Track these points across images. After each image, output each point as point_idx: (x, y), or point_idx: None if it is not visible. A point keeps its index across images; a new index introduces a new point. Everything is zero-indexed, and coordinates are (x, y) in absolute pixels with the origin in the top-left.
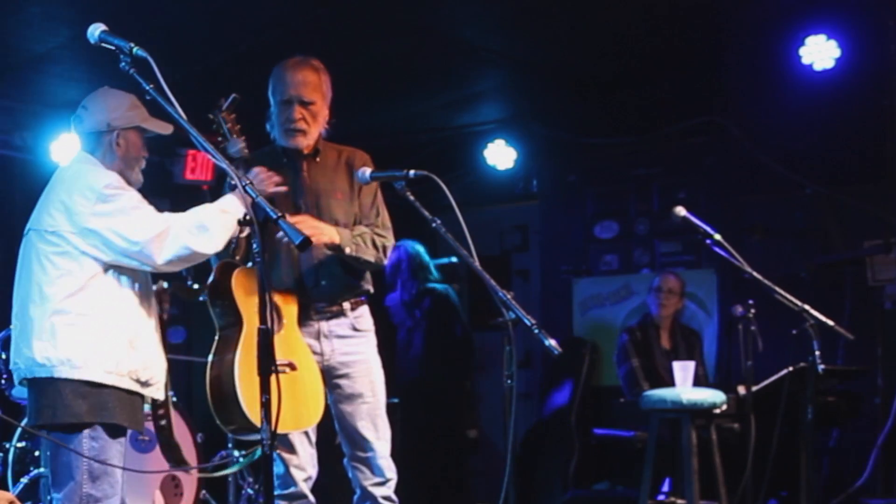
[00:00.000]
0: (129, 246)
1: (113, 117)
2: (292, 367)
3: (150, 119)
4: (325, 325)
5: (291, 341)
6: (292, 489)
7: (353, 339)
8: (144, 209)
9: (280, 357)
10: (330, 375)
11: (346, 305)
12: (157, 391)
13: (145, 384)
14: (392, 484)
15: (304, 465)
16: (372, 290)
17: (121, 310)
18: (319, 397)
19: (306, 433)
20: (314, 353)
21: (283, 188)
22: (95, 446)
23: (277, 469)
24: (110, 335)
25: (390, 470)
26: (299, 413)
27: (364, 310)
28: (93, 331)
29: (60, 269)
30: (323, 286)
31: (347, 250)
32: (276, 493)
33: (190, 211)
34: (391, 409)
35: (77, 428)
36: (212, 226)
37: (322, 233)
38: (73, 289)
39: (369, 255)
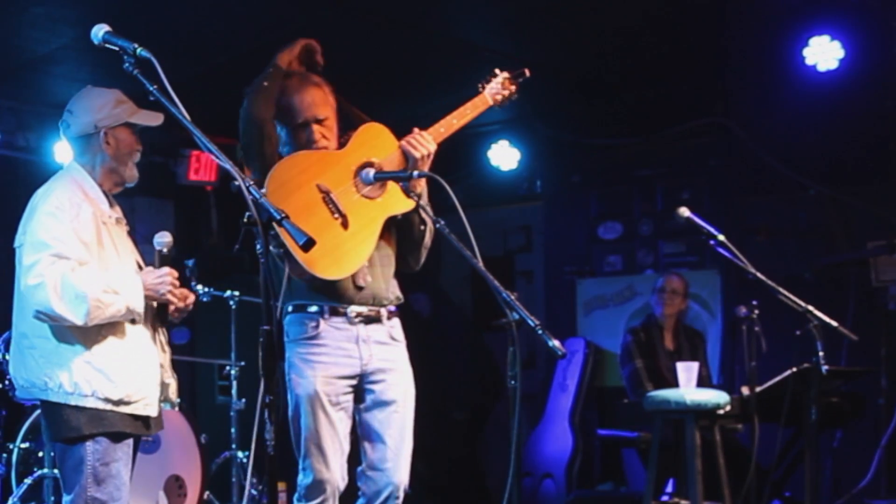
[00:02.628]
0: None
1: (99, 118)
2: (343, 222)
3: (139, 112)
4: (363, 330)
5: (370, 211)
6: (317, 500)
7: (390, 347)
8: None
9: (346, 207)
10: (365, 381)
11: (383, 312)
12: (144, 408)
13: (119, 403)
14: (401, 502)
15: (334, 479)
16: (402, 300)
17: (75, 330)
18: (349, 263)
19: (341, 444)
20: (351, 356)
21: (177, 302)
22: (99, 449)
23: (306, 479)
24: (63, 357)
25: (403, 486)
26: (323, 260)
27: (397, 321)
28: (48, 355)
29: (20, 290)
30: (369, 282)
31: (423, 200)
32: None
33: (97, 275)
34: None
35: (80, 440)
36: (92, 300)
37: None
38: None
39: (430, 233)
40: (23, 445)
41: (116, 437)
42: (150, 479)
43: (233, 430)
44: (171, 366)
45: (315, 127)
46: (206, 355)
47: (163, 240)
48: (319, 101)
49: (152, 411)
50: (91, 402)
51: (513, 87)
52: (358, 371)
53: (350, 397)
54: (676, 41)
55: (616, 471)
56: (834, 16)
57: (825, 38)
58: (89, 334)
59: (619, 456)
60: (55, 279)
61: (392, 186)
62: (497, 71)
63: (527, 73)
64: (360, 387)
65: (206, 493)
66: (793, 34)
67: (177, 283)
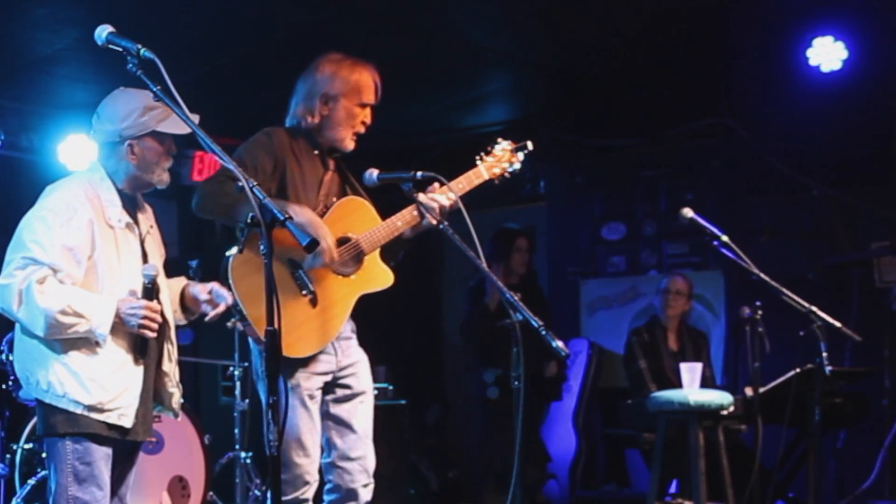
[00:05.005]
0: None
1: (123, 127)
2: (312, 299)
3: (168, 118)
4: None
5: (342, 289)
6: (298, 493)
7: (353, 341)
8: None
9: (316, 283)
10: (337, 375)
11: None
12: (118, 418)
13: (91, 409)
14: (372, 487)
15: (314, 471)
16: None
17: None
18: (312, 342)
19: (318, 438)
20: (328, 353)
21: (152, 334)
22: (79, 449)
23: (285, 473)
24: (42, 356)
25: (371, 472)
26: (286, 338)
27: None
28: (30, 351)
29: None
30: None
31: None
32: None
33: (62, 292)
34: (399, 410)
35: (59, 437)
36: (50, 318)
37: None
38: None
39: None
40: (26, 446)
41: (97, 439)
42: (153, 480)
43: (236, 430)
44: (178, 376)
45: (369, 111)
46: (209, 356)
47: (149, 273)
48: (378, 91)
49: (126, 422)
50: (64, 404)
51: (513, 159)
52: (333, 368)
53: (321, 392)
54: (680, 42)
55: (619, 471)
56: (837, 16)
57: (829, 39)
58: (69, 338)
59: (622, 456)
60: (21, 284)
61: (368, 262)
62: (499, 140)
63: (529, 145)
64: (332, 381)
65: (210, 493)
66: (796, 35)
67: (154, 315)
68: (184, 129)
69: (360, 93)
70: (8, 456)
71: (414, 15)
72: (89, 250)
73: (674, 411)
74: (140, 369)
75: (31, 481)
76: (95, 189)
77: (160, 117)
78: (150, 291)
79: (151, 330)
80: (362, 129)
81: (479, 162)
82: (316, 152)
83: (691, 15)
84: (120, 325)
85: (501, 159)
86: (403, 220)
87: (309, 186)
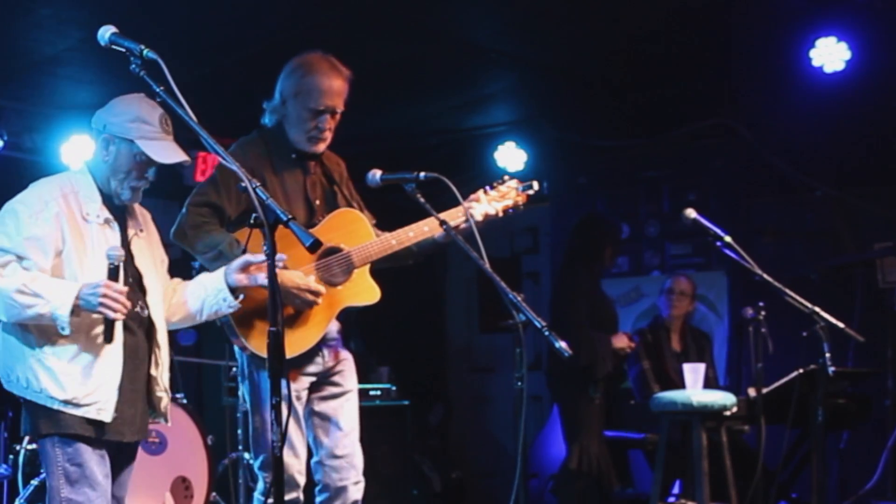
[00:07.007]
0: None
1: (111, 121)
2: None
3: (152, 141)
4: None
5: (328, 297)
6: (294, 496)
7: (339, 342)
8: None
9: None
10: (325, 376)
11: None
12: (97, 412)
13: (67, 403)
14: (363, 485)
15: (303, 470)
16: None
17: (32, 327)
18: (291, 347)
19: (304, 438)
20: (318, 355)
21: (120, 316)
22: (69, 451)
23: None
24: (20, 352)
25: (360, 469)
26: (263, 338)
27: None
28: (10, 348)
29: None
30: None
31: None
32: (270, 501)
33: (21, 274)
34: (402, 410)
35: (45, 437)
36: (6, 297)
37: None
38: None
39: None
40: (29, 447)
41: (87, 440)
42: (156, 481)
43: (239, 431)
44: (169, 380)
45: (328, 118)
46: (212, 356)
47: (114, 253)
48: (342, 93)
49: (105, 416)
50: (42, 400)
51: (518, 199)
52: (321, 369)
53: (307, 392)
54: (683, 42)
55: (623, 472)
56: (840, 17)
57: (832, 40)
58: (45, 332)
59: (625, 457)
60: None
61: (357, 276)
62: (506, 178)
63: (535, 185)
64: (320, 380)
65: (213, 494)
66: (799, 35)
67: (116, 295)
68: (162, 160)
69: (310, 97)
70: (11, 457)
71: (417, 16)
72: (59, 244)
73: (677, 412)
74: (118, 365)
75: (34, 482)
76: (74, 185)
77: (147, 135)
78: (115, 272)
79: (114, 310)
80: (319, 134)
81: (484, 193)
82: (294, 156)
83: (694, 15)
84: (89, 316)
85: (506, 195)
86: (398, 238)
87: (292, 194)
